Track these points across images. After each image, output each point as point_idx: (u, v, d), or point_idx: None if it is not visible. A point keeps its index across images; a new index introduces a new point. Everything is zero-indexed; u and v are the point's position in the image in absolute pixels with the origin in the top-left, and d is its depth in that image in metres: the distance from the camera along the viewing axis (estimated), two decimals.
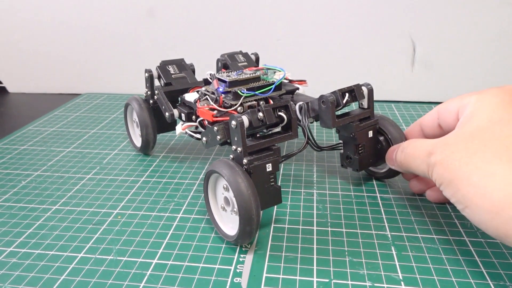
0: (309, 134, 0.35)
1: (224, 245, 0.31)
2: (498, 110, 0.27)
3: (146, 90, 0.44)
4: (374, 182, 0.39)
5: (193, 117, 0.38)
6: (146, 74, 0.43)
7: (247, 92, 0.35)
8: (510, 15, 0.58)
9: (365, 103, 0.36)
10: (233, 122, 0.30)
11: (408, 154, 0.31)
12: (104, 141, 0.50)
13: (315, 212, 0.35)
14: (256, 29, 0.64)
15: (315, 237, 0.31)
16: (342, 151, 0.38)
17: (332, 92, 0.34)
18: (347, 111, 0.37)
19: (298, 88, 0.41)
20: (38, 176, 0.42)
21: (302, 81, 0.41)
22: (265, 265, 0.29)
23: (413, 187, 0.36)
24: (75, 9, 0.67)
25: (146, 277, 0.28)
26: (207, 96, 0.37)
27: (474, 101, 0.29)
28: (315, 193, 0.38)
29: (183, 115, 0.39)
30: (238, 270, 0.28)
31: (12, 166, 0.44)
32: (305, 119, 0.34)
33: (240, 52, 0.47)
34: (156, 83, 0.44)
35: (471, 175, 0.25)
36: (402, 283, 0.27)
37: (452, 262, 0.28)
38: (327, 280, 0.27)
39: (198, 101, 0.37)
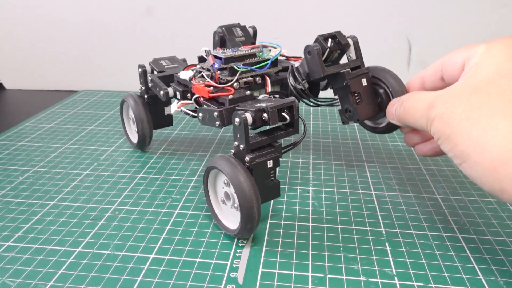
0: (304, 92, 0.35)
1: (220, 240, 0.31)
2: (507, 61, 0.25)
3: (141, 85, 0.44)
4: (370, 179, 0.40)
5: (188, 95, 0.38)
6: (140, 69, 0.43)
7: (244, 67, 0.35)
8: (504, 16, 0.58)
9: (353, 54, 0.36)
10: (237, 119, 0.30)
11: (407, 107, 0.30)
12: (102, 138, 0.50)
13: (310, 208, 0.35)
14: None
15: (310, 233, 0.32)
16: (340, 107, 0.37)
17: (314, 41, 0.34)
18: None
19: (294, 65, 0.41)
20: (35, 172, 0.42)
21: (298, 58, 0.41)
22: (261, 260, 0.29)
23: (408, 140, 0.35)
24: (73, 6, 0.67)
25: (143, 272, 0.28)
26: (203, 73, 0.36)
27: (482, 51, 0.27)
28: (311, 189, 0.38)
29: (178, 93, 0.39)
30: (234, 265, 0.29)
31: (9, 162, 0.44)
32: (296, 84, 0.34)
33: (238, 25, 0.45)
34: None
35: (471, 130, 0.24)
36: (396, 278, 0.27)
37: (445, 258, 0.29)
38: (322, 275, 0.27)
39: (194, 78, 0.37)
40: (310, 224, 0.33)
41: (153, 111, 0.44)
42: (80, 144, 0.49)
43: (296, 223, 0.33)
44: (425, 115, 0.28)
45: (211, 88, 0.34)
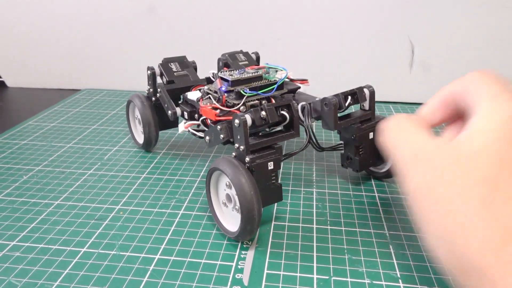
0: (312, 134, 0.35)
1: (225, 242, 0.31)
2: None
3: (149, 87, 0.44)
4: (373, 181, 0.40)
5: (196, 115, 0.39)
6: (149, 72, 0.43)
7: (250, 92, 0.36)
8: (508, 18, 0.58)
9: (366, 105, 0.36)
10: (236, 121, 0.30)
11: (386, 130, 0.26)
12: (105, 137, 0.50)
13: (314, 210, 0.35)
14: (256, 28, 0.64)
15: (315, 235, 0.32)
16: (343, 151, 0.38)
17: (334, 95, 0.34)
18: (347, 112, 0.37)
19: (299, 87, 0.41)
20: (39, 171, 0.42)
21: (303, 81, 0.42)
22: (266, 262, 0.29)
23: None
24: (76, 4, 0.67)
25: (149, 272, 0.28)
26: (210, 95, 0.37)
27: (484, 114, 0.21)
28: (314, 192, 0.38)
29: (185, 113, 0.40)
30: (239, 267, 0.29)
31: (13, 160, 0.44)
32: (308, 120, 0.35)
33: (241, 52, 0.47)
34: (158, 80, 0.44)
35: (438, 220, 0.20)
36: (400, 281, 0.27)
37: None
38: (327, 277, 0.28)
39: (201, 100, 0.37)
40: (314, 226, 0.33)
41: (160, 112, 0.43)
42: (83, 143, 0.49)
43: (300, 225, 0.33)
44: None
45: (218, 111, 0.35)
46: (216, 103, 0.36)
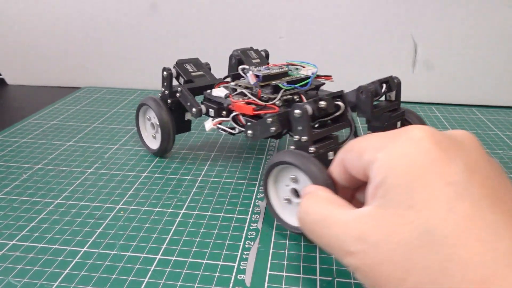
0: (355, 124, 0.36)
1: (227, 242, 0.31)
2: (416, 188, 0.19)
3: (163, 89, 0.42)
4: None
5: (223, 112, 0.38)
6: (165, 73, 0.42)
7: (287, 85, 0.36)
8: (509, 17, 0.58)
9: (392, 95, 0.37)
10: (297, 111, 0.30)
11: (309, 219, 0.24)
12: (105, 136, 0.50)
13: None
14: (259, 26, 0.64)
15: None
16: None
17: (371, 82, 0.35)
18: (375, 103, 0.38)
19: (324, 83, 0.41)
20: (39, 170, 0.42)
21: (328, 77, 0.41)
22: (268, 263, 0.29)
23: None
24: (76, 2, 0.67)
25: (150, 273, 0.28)
26: (243, 91, 0.37)
27: (379, 166, 0.21)
28: None
29: (211, 110, 0.39)
30: (241, 267, 0.28)
31: (12, 158, 0.44)
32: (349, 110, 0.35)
33: (251, 48, 0.47)
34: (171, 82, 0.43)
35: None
36: None
37: None
38: (330, 279, 0.27)
39: (230, 96, 0.37)
40: None
41: (175, 116, 0.42)
42: (83, 141, 0.48)
43: None
44: (340, 253, 0.21)
45: (254, 105, 0.35)
46: (253, 98, 0.35)
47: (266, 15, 0.63)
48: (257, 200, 0.36)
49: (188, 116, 0.44)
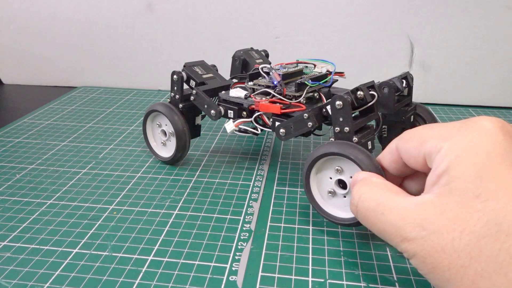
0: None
1: (220, 243, 0.31)
2: (484, 178, 0.19)
3: (173, 94, 0.40)
4: None
5: (244, 113, 0.38)
6: (175, 77, 0.40)
7: (313, 82, 0.36)
8: (508, 18, 0.58)
9: (405, 90, 0.39)
10: (339, 102, 0.30)
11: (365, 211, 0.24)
12: (100, 136, 0.50)
13: (311, 211, 0.35)
14: (255, 26, 0.64)
15: (310, 236, 0.31)
16: (385, 135, 0.40)
17: (393, 78, 0.36)
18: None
19: (337, 80, 0.41)
20: (32, 170, 0.41)
21: (341, 73, 0.41)
22: (260, 264, 0.29)
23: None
24: (72, 1, 0.67)
25: (141, 274, 0.28)
26: (267, 90, 0.36)
27: (445, 154, 0.21)
28: None
29: (231, 112, 0.38)
30: (233, 268, 0.28)
31: (6, 159, 0.44)
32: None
33: (252, 49, 0.47)
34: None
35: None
36: (397, 284, 0.27)
37: None
38: (323, 280, 0.27)
39: (251, 96, 0.37)
40: (310, 227, 0.33)
41: (187, 121, 0.40)
42: (78, 141, 0.48)
43: (296, 226, 0.33)
44: (397, 239, 0.22)
45: (280, 105, 0.35)
46: (280, 96, 0.35)
47: (262, 16, 0.63)
48: (250, 201, 0.36)
49: (198, 120, 0.42)
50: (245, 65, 0.45)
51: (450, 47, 0.60)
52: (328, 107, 0.33)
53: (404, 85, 0.37)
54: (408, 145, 0.24)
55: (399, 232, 0.21)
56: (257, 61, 0.44)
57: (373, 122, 0.39)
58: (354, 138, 0.30)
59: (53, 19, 0.68)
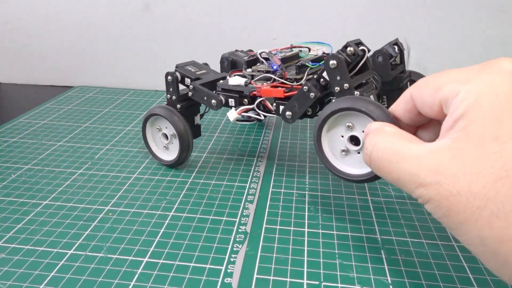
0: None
1: (215, 245, 0.31)
2: (503, 120, 0.19)
3: (169, 95, 0.40)
4: (366, 186, 0.40)
5: (245, 100, 0.37)
6: (169, 77, 0.40)
7: (313, 64, 0.36)
8: (504, 22, 0.58)
9: (398, 59, 0.39)
10: (332, 61, 0.30)
11: (380, 162, 0.24)
12: (96, 136, 0.50)
13: (306, 214, 0.35)
14: (252, 27, 0.64)
15: (306, 239, 0.32)
16: (385, 105, 0.40)
17: (384, 46, 0.36)
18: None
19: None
20: (28, 170, 0.41)
21: None
22: (256, 266, 0.29)
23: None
24: (69, 0, 0.67)
25: (136, 276, 0.28)
26: (269, 75, 0.36)
27: (463, 98, 0.20)
28: (307, 194, 0.38)
29: (231, 100, 0.38)
30: (229, 271, 0.28)
31: (1, 159, 0.44)
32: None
33: (237, 50, 0.47)
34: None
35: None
36: (391, 286, 0.27)
37: (440, 267, 0.29)
38: (317, 283, 0.27)
39: (252, 82, 0.37)
40: (306, 230, 0.33)
41: (187, 121, 0.40)
42: (74, 141, 0.48)
43: (292, 228, 0.33)
44: (412, 188, 0.22)
45: (283, 88, 0.35)
46: (282, 80, 0.35)
47: (260, 17, 0.63)
48: (246, 203, 0.36)
49: (197, 120, 0.42)
50: (234, 65, 0.45)
51: (446, 50, 0.61)
52: (324, 73, 0.32)
53: (396, 50, 0.37)
54: (423, 92, 0.24)
55: (414, 179, 0.21)
56: (245, 58, 0.44)
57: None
58: (356, 93, 0.30)
59: (50, 18, 0.68)
